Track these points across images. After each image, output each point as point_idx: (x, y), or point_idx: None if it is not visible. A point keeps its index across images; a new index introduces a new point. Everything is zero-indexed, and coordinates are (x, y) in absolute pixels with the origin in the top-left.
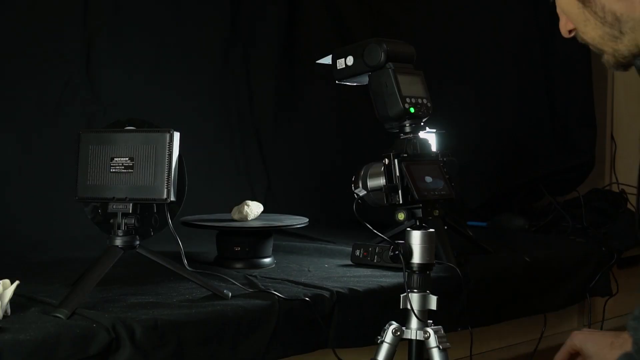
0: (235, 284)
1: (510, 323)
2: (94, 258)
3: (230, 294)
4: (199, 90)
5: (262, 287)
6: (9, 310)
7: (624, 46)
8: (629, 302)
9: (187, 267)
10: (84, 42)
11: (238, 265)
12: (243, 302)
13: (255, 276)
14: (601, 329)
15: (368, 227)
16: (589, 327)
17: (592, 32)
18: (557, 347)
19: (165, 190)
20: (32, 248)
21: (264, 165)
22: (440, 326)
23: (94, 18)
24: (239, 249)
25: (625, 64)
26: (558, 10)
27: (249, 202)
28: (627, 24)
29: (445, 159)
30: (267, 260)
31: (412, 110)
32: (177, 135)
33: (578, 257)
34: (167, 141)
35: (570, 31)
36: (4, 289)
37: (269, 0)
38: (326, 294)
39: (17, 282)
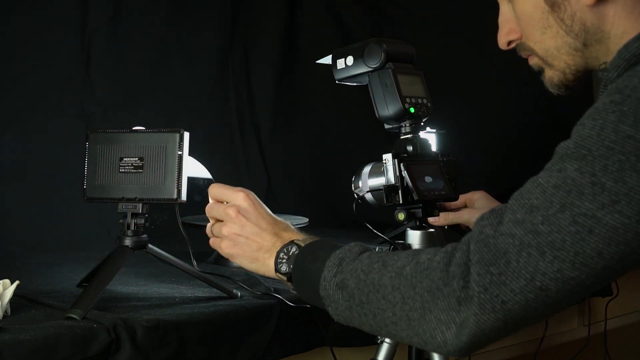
0: (242, 286)
1: None
2: (94, 258)
3: (239, 294)
4: (199, 90)
5: (266, 288)
6: (9, 310)
7: (583, 59)
8: (629, 302)
9: (196, 268)
10: (84, 42)
11: (238, 265)
12: (244, 302)
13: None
14: (604, 330)
15: (368, 227)
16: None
17: (549, 41)
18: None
19: (176, 190)
20: (32, 248)
21: (264, 165)
22: None
23: (94, 18)
24: None
25: (570, 84)
26: (501, 20)
27: None
28: (595, 35)
29: (445, 159)
30: None
31: (412, 110)
32: (187, 135)
33: None
34: (178, 141)
35: (510, 42)
36: (4, 289)
37: (269, 0)
38: None
39: (17, 282)
